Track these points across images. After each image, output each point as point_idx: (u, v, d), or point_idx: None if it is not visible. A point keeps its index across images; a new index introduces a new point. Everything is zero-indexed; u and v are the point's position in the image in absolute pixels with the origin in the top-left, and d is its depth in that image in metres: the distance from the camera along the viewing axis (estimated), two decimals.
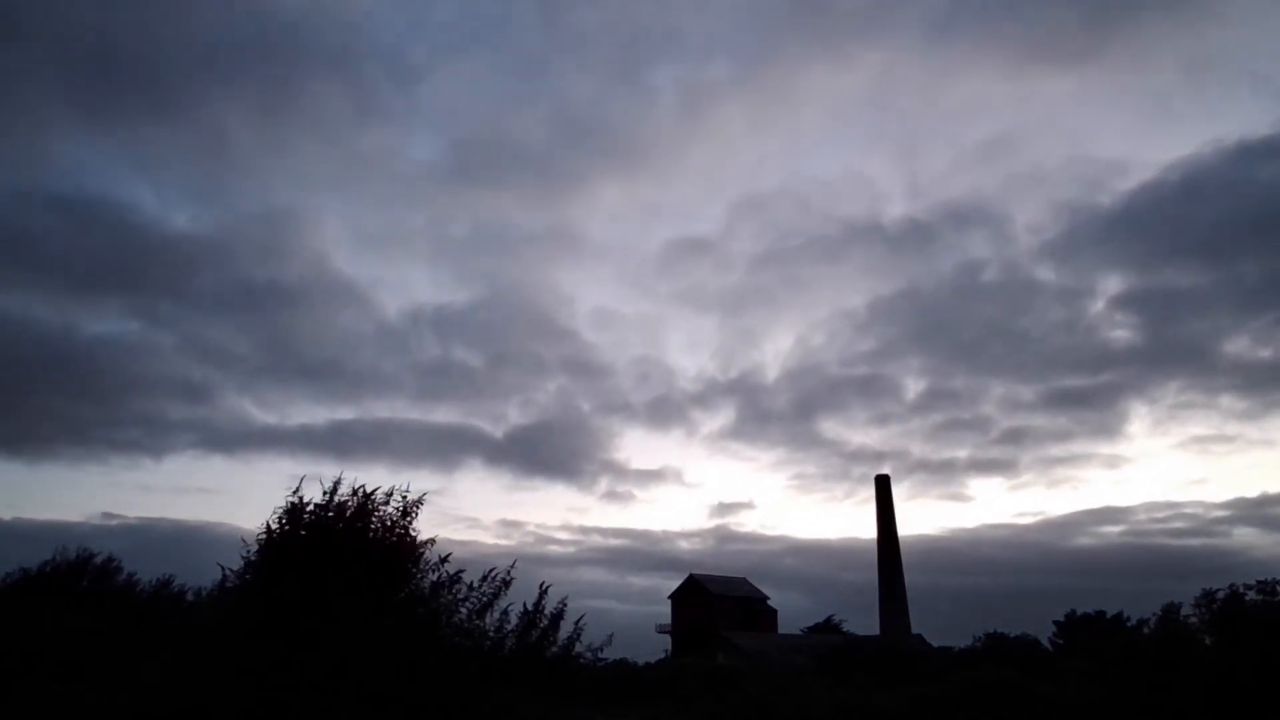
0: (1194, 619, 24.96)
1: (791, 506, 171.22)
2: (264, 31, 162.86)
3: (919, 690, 31.22)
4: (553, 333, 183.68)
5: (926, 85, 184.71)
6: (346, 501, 15.90)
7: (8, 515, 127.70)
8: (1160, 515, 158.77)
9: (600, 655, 17.71)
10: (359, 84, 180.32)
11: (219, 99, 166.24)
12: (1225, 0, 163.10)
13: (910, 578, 76.13)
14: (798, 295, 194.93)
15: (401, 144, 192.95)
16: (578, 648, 17.13)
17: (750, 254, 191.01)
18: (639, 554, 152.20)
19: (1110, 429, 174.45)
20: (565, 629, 17.11)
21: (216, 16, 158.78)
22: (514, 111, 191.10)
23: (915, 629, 72.91)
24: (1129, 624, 42.92)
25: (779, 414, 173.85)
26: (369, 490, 16.09)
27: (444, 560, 16.17)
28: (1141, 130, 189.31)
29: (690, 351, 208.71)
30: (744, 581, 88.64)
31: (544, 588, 17.31)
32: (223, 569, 15.89)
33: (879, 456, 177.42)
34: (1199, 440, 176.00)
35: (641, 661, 58.53)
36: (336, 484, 16.05)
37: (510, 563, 16.83)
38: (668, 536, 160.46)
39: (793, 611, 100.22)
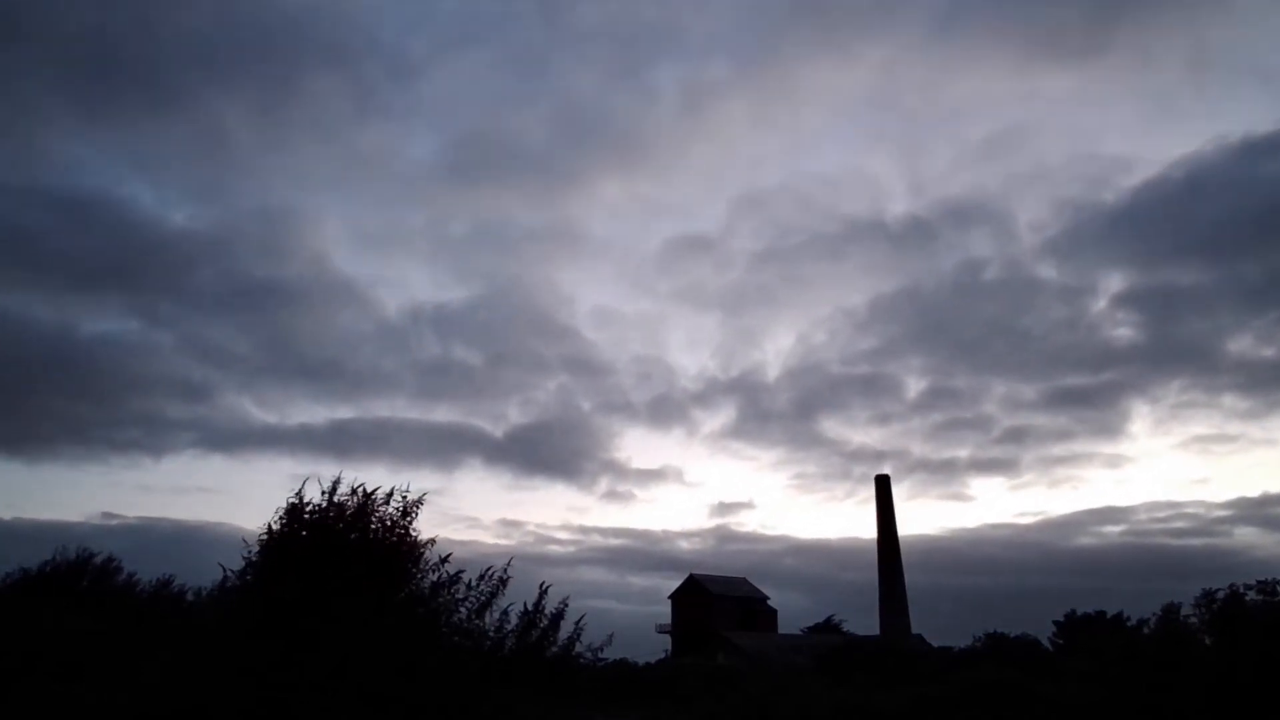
0: (1194, 619, 24.99)
1: (792, 506, 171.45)
2: (263, 29, 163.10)
3: (919, 690, 31.23)
4: (553, 331, 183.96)
5: (928, 82, 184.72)
6: (346, 501, 15.90)
7: (8, 515, 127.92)
8: (1161, 515, 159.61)
9: (600, 655, 17.71)
10: (358, 82, 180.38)
11: (218, 97, 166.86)
12: None
13: (910, 578, 76.40)
14: (798, 293, 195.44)
15: (401, 142, 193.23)
16: (578, 648, 17.11)
17: (751, 252, 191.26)
18: (639, 554, 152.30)
19: (1112, 428, 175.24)
20: (565, 629, 17.11)
21: (215, 14, 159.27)
22: (514, 109, 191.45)
23: (915, 629, 72.96)
24: (1129, 624, 42.93)
25: (779, 413, 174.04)
26: (369, 490, 16.10)
27: (444, 560, 16.16)
28: (1145, 127, 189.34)
29: (691, 350, 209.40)
30: (744, 581, 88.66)
31: (544, 588, 17.32)
32: (223, 569, 15.91)
33: (879, 456, 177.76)
34: (1201, 440, 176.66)
35: (641, 661, 58.65)
36: (336, 484, 16.07)
37: (507, 561, 16.83)
38: (668, 536, 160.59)
39: (793, 611, 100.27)
